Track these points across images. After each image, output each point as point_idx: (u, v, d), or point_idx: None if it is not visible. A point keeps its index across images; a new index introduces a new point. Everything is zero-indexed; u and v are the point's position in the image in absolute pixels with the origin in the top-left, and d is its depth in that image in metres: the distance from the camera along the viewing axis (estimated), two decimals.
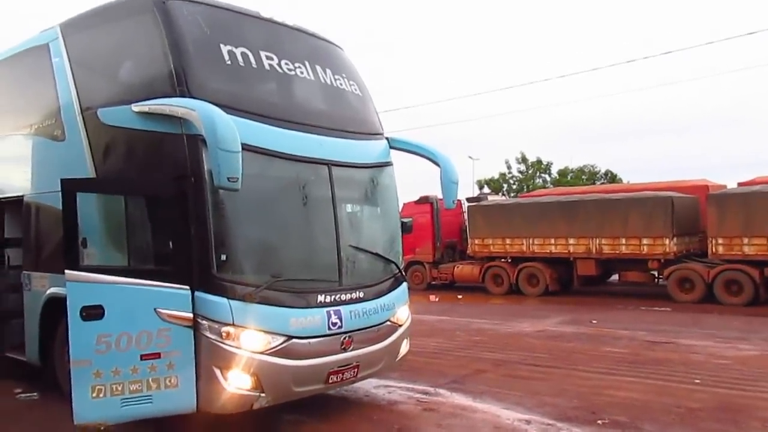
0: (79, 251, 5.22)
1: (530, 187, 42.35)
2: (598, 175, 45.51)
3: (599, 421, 6.11)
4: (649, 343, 10.36)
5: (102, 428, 5.36)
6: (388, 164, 7.02)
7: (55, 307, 6.26)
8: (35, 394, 7.15)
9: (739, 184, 17.01)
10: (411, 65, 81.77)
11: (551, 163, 45.90)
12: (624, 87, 54.25)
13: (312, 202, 5.97)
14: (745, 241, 14.85)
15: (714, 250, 15.35)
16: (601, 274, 17.98)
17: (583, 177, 44.81)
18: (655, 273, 17.10)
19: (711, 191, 16.53)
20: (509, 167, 46.48)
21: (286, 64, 6.19)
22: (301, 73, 6.33)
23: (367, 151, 6.74)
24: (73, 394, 4.93)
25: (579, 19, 77.31)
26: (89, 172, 6.05)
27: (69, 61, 6.66)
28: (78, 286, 4.99)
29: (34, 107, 7.16)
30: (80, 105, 6.35)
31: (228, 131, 4.81)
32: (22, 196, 7.17)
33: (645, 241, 16.23)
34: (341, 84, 6.76)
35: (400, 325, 6.62)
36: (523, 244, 18.27)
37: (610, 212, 16.77)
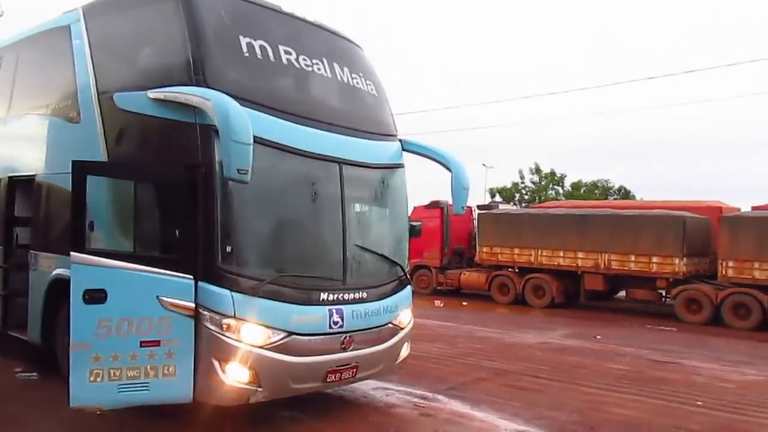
0: (85, 234, 5.24)
1: (542, 198, 42.21)
2: (611, 190, 45.27)
3: None
4: (653, 362, 10.25)
5: (98, 412, 5.38)
6: (399, 166, 6.98)
7: (60, 288, 6.28)
8: (35, 374, 7.18)
9: (754, 208, 16.82)
10: (427, 71, 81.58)
11: (565, 176, 45.80)
12: (645, 103, 53.95)
13: (321, 200, 5.96)
14: (756, 265, 14.66)
15: (724, 272, 15.18)
16: (608, 290, 17.82)
17: (596, 191, 44.61)
18: (663, 292, 16.88)
19: (724, 213, 16.36)
20: (522, 177, 46.40)
21: (304, 59, 6.17)
22: (319, 69, 6.31)
23: (380, 151, 6.71)
24: (70, 377, 4.93)
25: (601, 33, 76.94)
26: (102, 155, 6.07)
27: (89, 44, 6.68)
28: (82, 269, 4.99)
29: (52, 88, 7.20)
30: (97, 88, 6.37)
31: (241, 123, 4.80)
32: (34, 175, 7.21)
33: (655, 259, 16.06)
34: (358, 83, 6.74)
35: (402, 329, 6.58)
36: (531, 254, 18.15)
37: (621, 228, 16.61)
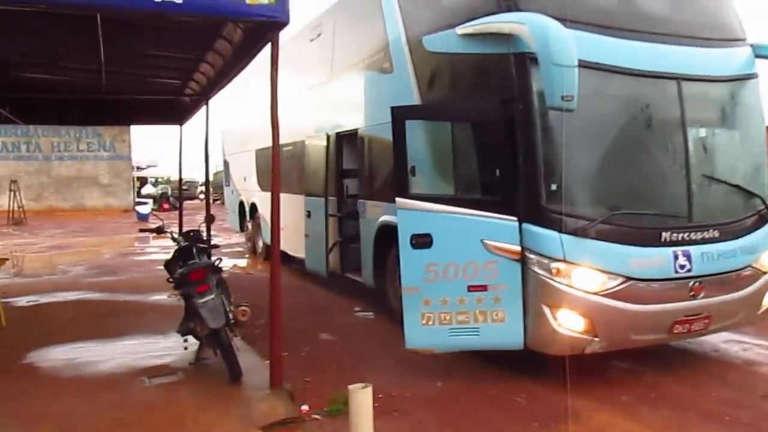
0: (408, 179, 5.27)
1: None
2: None
3: None
4: None
5: (435, 353, 5.47)
6: (751, 77, 5.74)
7: (387, 234, 6.56)
8: (370, 313, 7.73)
9: None
10: None
11: None
12: None
13: (657, 125, 5.15)
14: None
15: None
16: None
17: None
18: None
19: None
20: None
21: None
22: None
23: (725, 61, 5.59)
24: (404, 320, 5.07)
25: None
26: (415, 101, 6.10)
27: None
28: (408, 214, 5.04)
29: (366, 44, 7.47)
30: (406, 35, 6.40)
31: (562, 44, 4.29)
32: (357, 129, 7.62)
33: None
34: None
35: (765, 272, 5.46)
36: None
37: None
